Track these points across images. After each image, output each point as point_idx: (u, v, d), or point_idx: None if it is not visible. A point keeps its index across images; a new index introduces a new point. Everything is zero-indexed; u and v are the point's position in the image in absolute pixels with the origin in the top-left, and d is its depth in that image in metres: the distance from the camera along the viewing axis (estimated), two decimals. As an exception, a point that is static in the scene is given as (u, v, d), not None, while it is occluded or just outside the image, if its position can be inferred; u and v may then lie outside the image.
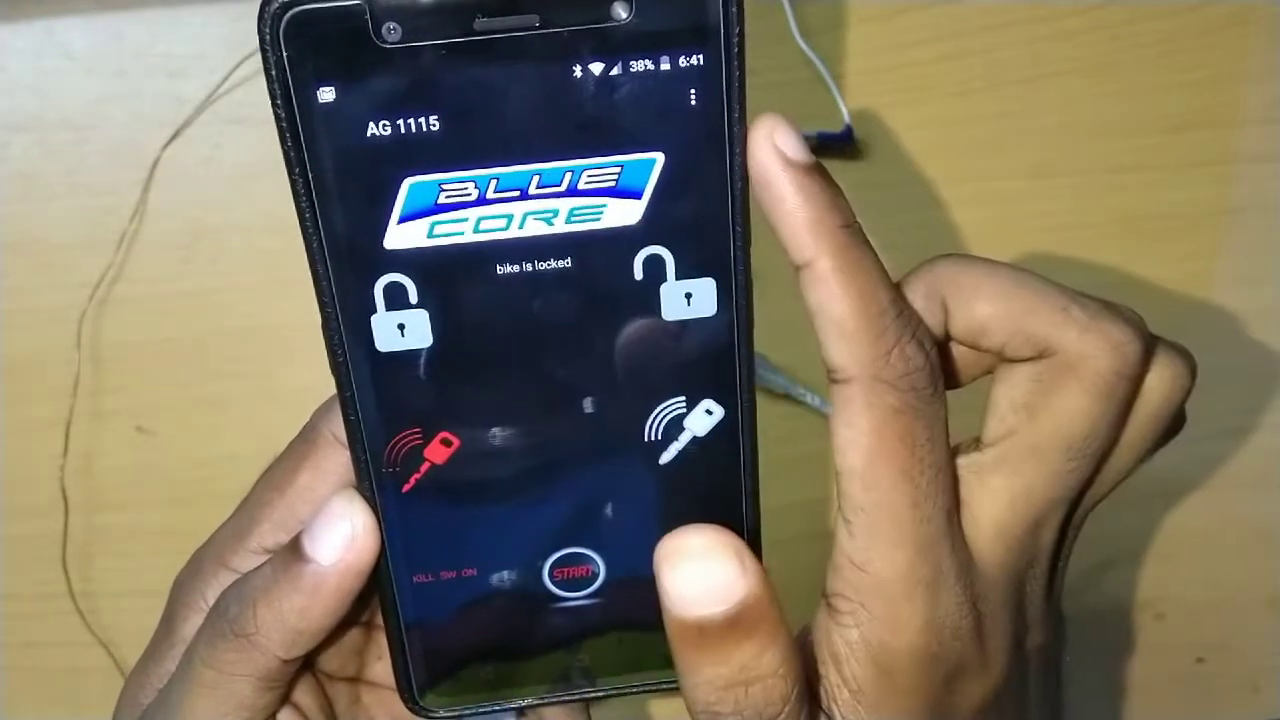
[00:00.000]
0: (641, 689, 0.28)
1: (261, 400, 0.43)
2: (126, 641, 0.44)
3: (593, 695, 0.28)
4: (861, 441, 0.23)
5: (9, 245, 0.42)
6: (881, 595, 0.23)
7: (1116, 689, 0.47)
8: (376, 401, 0.24)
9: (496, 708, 0.28)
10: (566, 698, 0.28)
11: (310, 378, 0.43)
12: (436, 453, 0.25)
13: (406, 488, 0.25)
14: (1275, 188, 0.43)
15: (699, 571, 0.23)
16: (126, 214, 0.42)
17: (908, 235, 0.43)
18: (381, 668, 0.29)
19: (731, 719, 0.23)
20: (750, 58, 0.45)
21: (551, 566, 0.26)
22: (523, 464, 0.25)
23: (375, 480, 0.25)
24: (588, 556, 0.26)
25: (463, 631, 0.27)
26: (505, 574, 0.26)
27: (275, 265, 0.42)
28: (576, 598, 0.27)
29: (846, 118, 0.41)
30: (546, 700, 0.28)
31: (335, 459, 0.26)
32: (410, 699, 0.27)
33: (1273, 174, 0.43)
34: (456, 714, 0.28)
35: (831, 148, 0.41)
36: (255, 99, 0.41)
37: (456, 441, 0.25)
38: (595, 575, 0.26)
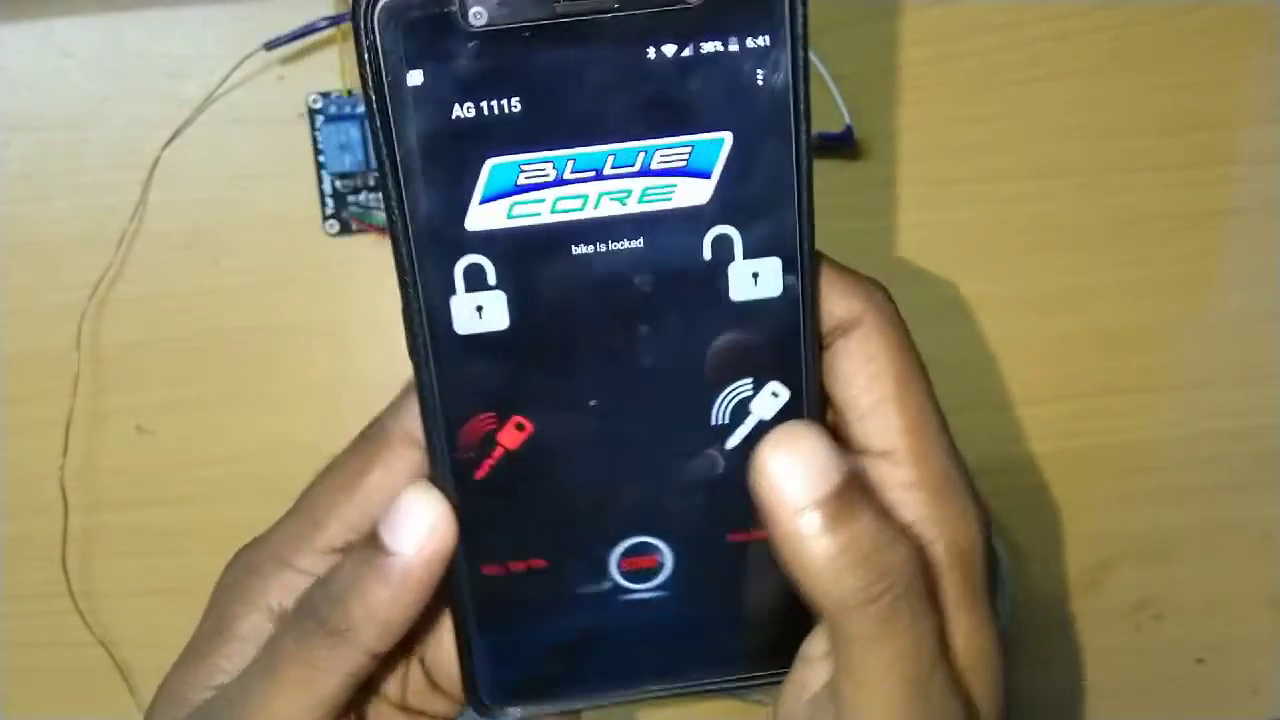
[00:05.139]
0: (711, 686, 0.27)
1: (261, 400, 0.43)
2: (126, 641, 0.44)
3: (662, 694, 0.28)
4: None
5: (9, 245, 0.42)
6: None
7: (1116, 689, 0.47)
8: (453, 385, 0.24)
9: (564, 708, 0.27)
10: (634, 697, 0.27)
11: (310, 377, 0.43)
12: (510, 438, 0.25)
13: (479, 474, 0.25)
14: (1276, 188, 0.43)
15: (805, 451, 0.23)
16: (126, 214, 0.42)
17: (908, 235, 0.43)
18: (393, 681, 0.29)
19: (883, 587, 0.23)
20: (750, 58, 0.45)
21: (619, 557, 0.26)
22: (592, 449, 0.25)
23: (449, 467, 0.25)
24: (655, 546, 0.26)
25: (530, 627, 0.26)
26: (573, 565, 0.26)
27: (275, 265, 0.42)
28: (644, 589, 0.26)
29: (846, 118, 0.41)
30: (614, 700, 0.27)
31: (407, 457, 0.26)
32: (476, 699, 0.27)
33: (1273, 175, 0.43)
34: (523, 714, 0.27)
35: (831, 148, 0.41)
36: (255, 99, 0.41)
37: (530, 426, 0.25)
38: (663, 566, 0.26)
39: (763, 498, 0.23)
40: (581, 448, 0.25)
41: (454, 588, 0.26)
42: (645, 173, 0.23)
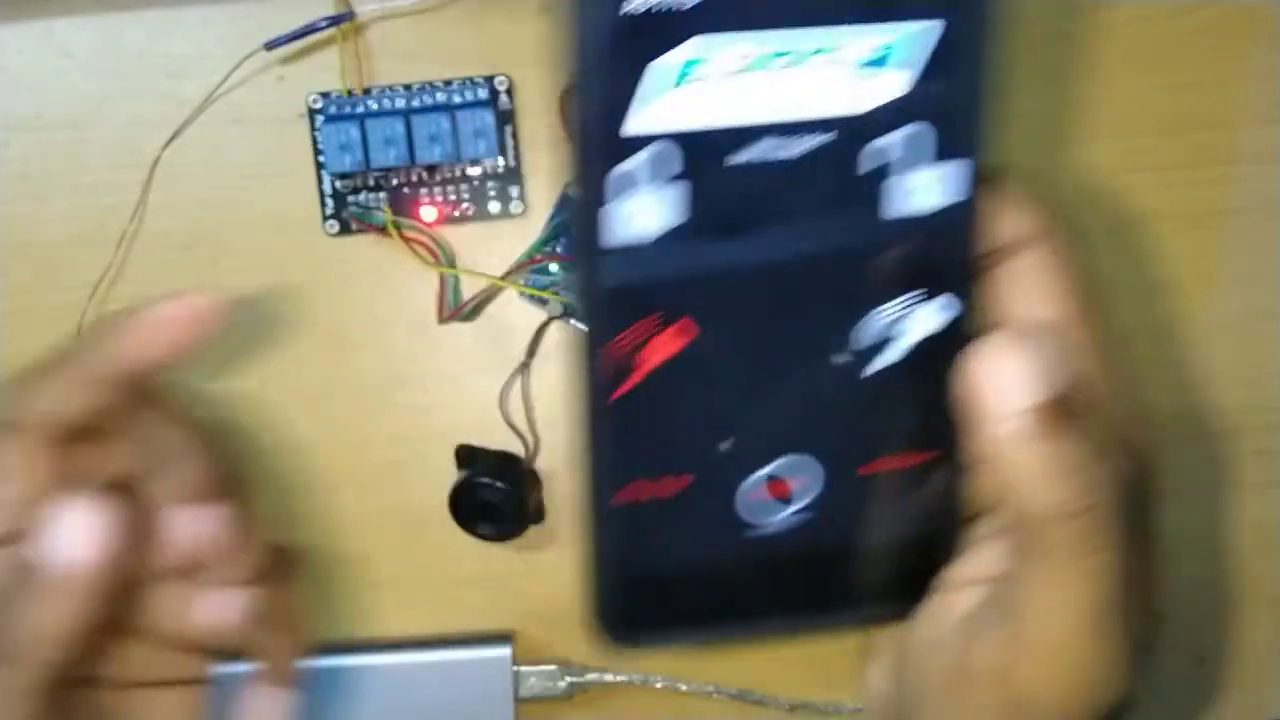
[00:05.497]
0: (838, 621, 0.26)
1: (260, 401, 0.43)
2: (126, 641, 0.44)
3: (786, 630, 0.27)
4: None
5: (9, 245, 0.42)
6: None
7: (1116, 689, 0.47)
8: (613, 288, 0.23)
9: (689, 641, 0.26)
10: (769, 630, 0.26)
11: (309, 379, 0.43)
12: (662, 349, 0.23)
13: (627, 387, 0.24)
14: (1276, 188, 0.43)
15: (1027, 356, 0.22)
16: (126, 214, 0.42)
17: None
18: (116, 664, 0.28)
19: (1090, 502, 0.22)
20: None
21: (756, 484, 0.25)
22: (739, 367, 0.24)
23: (590, 386, 0.24)
24: (794, 472, 0.25)
25: (663, 557, 0.25)
26: (706, 492, 0.25)
27: (275, 265, 0.42)
28: (778, 519, 0.25)
29: (846, 118, 0.41)
30: (738, 635, 0.26)
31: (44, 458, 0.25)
32: (603, 627, 0.26)
33: (1273, 175, 0.43)
34: (651, 645, 0.26)
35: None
36: (255, 99, 0.41)
37: (684, 337, 0.23)
38: (800, 494, 0.25)
39: (977, 398, 0.22)
40: (729, 366, 0.24)
41: (584, 510, 0.25)
42: (837, 64, 0.21)
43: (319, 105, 0.41)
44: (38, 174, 0.42)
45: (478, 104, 0.41)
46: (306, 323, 0.43)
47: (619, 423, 0.24)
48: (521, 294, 0.42)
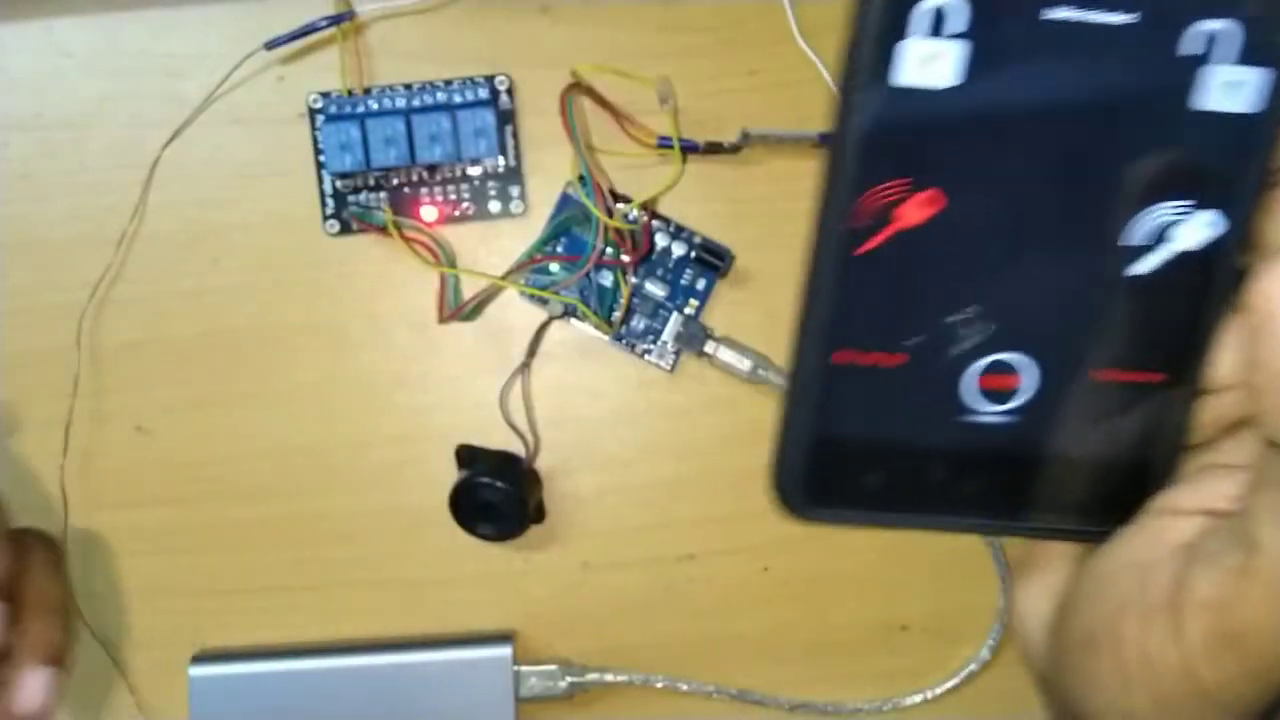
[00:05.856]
0: (1033, 531, 0.25)
1: (261, 400, 0.43)
2: (125, 641, 0.44)
3: (976, 528, 0.25)
4: None
5: (9, 245, 0.42)
6: None
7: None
8: (871, 138, 0.22)
9: (874, 522, 0.25)
10: (956, 525, 0.25)
11: (310, 377, 0.43)
12: (911, 212, 0.22)
13: (865, 247, 0.23)
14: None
15: None
16: (126, 213, 0.42)
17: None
18: None
19: None
20: (750, 58, 0.45)
21: (980, 371, 0.24)
22: (990, 244, 0.23)
23: (836, 234, 0.23)
24: (1021, 365, 0.24)
25: (866, 429, 0.24)
26: (928, 369, 0.24)
27: (275, 265, 0.42)
28: (994, 412, 0.24)
29: (847, 118, 0.41)
30: (927, 525, 0.25)
31: None
32: (785, 495, 0.25)
33: (1273, 174, 0.43)
34: (830, 519, 0.25)
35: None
36: (255, 99, 0.41)
37: (934, 204, 0.22)
38: (1022, 389, 0.24)
39: (1260, 320, 0.21)
40: (979, 240, 0.23)
41: (795, 370, 0.24)
42: None
43: (319, 105, 0.41)
44: (38, 174, 0.42)
45: (478, 103, 0.41)
46: (306, 323, 0.43)
47: (858, 279, 0.23)
48: (522, 294, 0.42)
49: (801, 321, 0.23)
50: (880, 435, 0.24)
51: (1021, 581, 0.27)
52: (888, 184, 0.22)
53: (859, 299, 0.23)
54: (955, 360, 0.24)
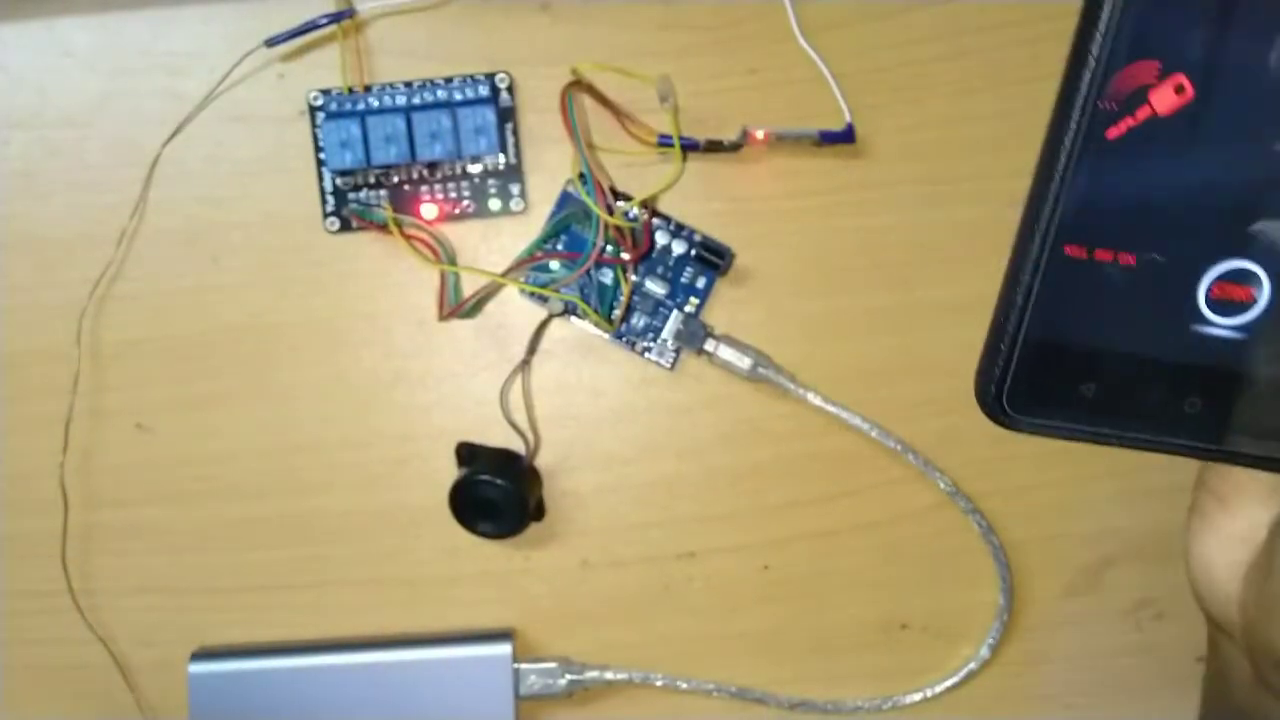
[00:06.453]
0: (1264, 462, 0.24)
1: (261, 398, 0.43)
2: (125, 638, 0.44)
3: (1201, 453, 0.24)
4: None
5: (9, 243, 0.42)
6: None
7: (1117, 689, 0.47)
8: (1135, 12, 0.21)
9: (1083, 435, 0.24)
10: (1167, 446, 0.24)
11: (310, 375, 0.43)
12: (1163, 99, 0.21)
13: (1112, 132, 0.22)
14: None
15: None
16: (127, 211, 0.42)
17: (907, 234, 0.43)
18: None
19: None
20: (751, 57, 0.45)
21: (1214, 279, 0.23)
22: (1243, 141, 0.22)
23: (1086, 113, 0.22)
24: (1259, 277, 0.22)
25: (1089, 332, 0.23)
26: (1162, 271, 0.22)
27: (275, 263, 0.42)
28: (1223, 325, 0.23)
29: (848, 116, 0.41)
30: (1143, 444, 0.24)
31: None
32: (996, 400, 0.23)
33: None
34: (1036, 429, 0.24)
35: (833, 146, 0.41)
36: (256, 96, 0.41)
37: (1190, 91, 0.21)
38: (1255, 303, 0.23)
39: None
40: (1233, 136, 0.22)
41: (1020, 263, 0.23)
42: None
43: (319, 102, 0.41)
44: (38, 171, 0.42)
45: (478, 101, 0.41)
46: (306, 320, 0.43)
47: (1105, 165, 0.22)
48: (522, 291, 0.42)
49: (1034, 209, 0.22)
50: (1102, 340, 0.23)
51: (1203, 527, 0.26)
52: (1142, 63, 0.21)
53: (1102, 187, 0.22)
54: (1190, 266, 0.22)
